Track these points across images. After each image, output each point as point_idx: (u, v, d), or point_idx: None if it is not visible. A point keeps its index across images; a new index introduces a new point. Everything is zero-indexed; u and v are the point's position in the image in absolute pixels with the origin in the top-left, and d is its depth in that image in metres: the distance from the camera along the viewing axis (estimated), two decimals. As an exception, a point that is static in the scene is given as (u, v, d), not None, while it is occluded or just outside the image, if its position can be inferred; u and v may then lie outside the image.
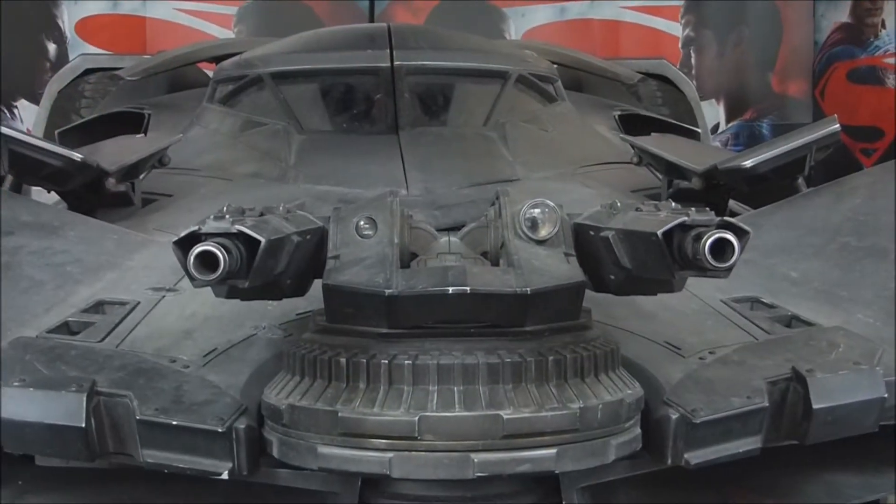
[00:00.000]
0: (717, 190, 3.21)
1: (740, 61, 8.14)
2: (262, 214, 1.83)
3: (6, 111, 7.62)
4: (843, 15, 7.96)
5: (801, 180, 3.13)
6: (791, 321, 2.26)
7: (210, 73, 4.41)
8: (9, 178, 3.10)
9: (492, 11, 8.10)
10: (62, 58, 7.58)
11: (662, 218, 1.77)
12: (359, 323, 1.78)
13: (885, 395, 2.01)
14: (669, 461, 1.90)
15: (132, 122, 4.13)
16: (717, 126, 7.97)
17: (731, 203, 3.33)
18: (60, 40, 7.77)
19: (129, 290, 2.33)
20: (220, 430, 1.81)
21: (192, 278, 1.68)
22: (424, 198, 3.01)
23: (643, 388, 1.87)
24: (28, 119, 7.13)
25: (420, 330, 1.76)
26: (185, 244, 1.69)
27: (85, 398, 1.82)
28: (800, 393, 1.97)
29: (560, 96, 4.01)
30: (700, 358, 2.08)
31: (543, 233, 1.86)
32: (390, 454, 1.69)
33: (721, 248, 1.68)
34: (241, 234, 1.72)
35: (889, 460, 2.22)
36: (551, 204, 1.88)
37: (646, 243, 1.77)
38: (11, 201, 2.66)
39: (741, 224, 1.71)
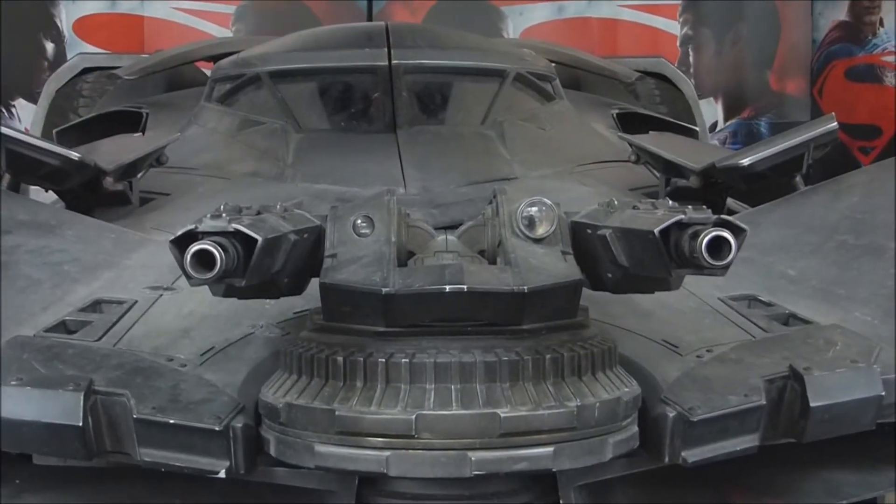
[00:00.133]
0: (715, 188, 3.21)
1: (738, 59, 8.14)
2: (259, 213, 1.83)
3: (4, 110, 7.62)
4: (841, 13, 7.97)
5: (798, 178, 3.13)
6: (788, 319, 2.26)
7: (208, 72, 4.40)
8: (6, 177, 3.10)
9: (490, 10, 8.10)
10: (60, 57, 7.57)
11: (659, 216, 1.77)
12: (356, 321, 1.78)
13: (883, 393, 2.01)
14: (667, 459, 1.90)
15: (130, 121, 4.13)
16: (715, 124, 7.97)
17: (729, 201, 3.33)
18: (58, 39, 7.77)
19: (126, 288, 2.33)
20: (217, 428, 1.81)
21: (188, 277, 1.68)
22: (422, 196, 3.01)
23: (640, 386, 1.87)
24: (26, 118, 7.12)
25: (417, 328, 1.76)
26: (182, 243, 1.69)
27: (82, 397, 1.82)
28: (797, 391, 1.97)
29: (558, 95, 4.01)
30: (697, 356, 2.08)
31: (541, 231, 1.86)
32: (387, 452, 1.69)
33: (718, 246, 1.68)
34: (238, 233, 1.72)
35: (886, 458, 2.21)
36: (548, 202, 1.88)
37: (643, 241, 1.77)
38: (9, 200, 2.66)
39: (738, 222, 1.72)
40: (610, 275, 1.89)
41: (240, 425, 1.83)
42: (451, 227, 2.08)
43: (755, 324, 2.23)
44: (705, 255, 1.68)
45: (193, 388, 1.91)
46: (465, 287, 1.69)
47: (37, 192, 3.45)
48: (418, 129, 3.55)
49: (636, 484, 2.05)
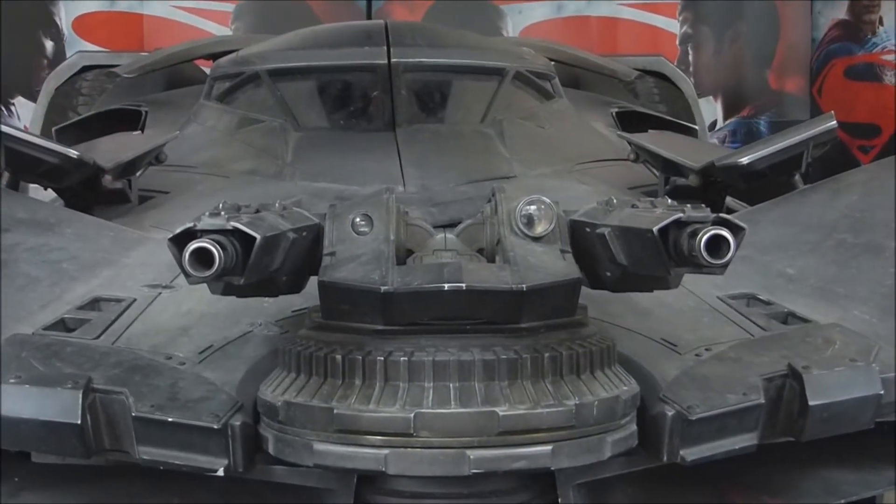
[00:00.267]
0: (714, 187, 3.21)
1: (738, 58, 8.14)
2: (257, 211, 1.83)
3: (3, 108, 7.61)
4: (840, 12, 7.96)
5: (797, 177, 3.14)
6: (787, 318, 2.26)
7: (207, 70, 4.40)
8: (6, 175, 3.10)
9: (489, 8, 8.10)
10: (59, 55, 7.57)
11: (658, 214, 1.77)
12: (354, 320, 1.78)
13: (882, 392, 2.01)
14: (665, 458, 1.90)
15: (129, 120, 4.13)
16: (714, 123, 7.97)
17: (729, 200, 3.33)
18: (58, 37, 7.76)
19: (125, 286, 2.33)
20: (215, 426, 1.81)
21: (187, 275, 1.68)
22: (421, 195, 3.01)
23: (639, 384, 1.88)
24: (25, 116, 7.13)
25: (416, 326, 1.76)
26: (180, 241, 1.69)
27: (81, 395, 1.82)
28: (796, 389, 1.97)
29: (557, 93, 4.01)
30: (696, 355, 2.08)
31: (539, 229, 1.86)
32: (386, 451, 1.70)
33: (717, 244, 1.68)
34: (236, 231, 1.72)
35: (885, 457, 2.22)
36: (547, 201, 1.88)
37: (641, 240, 1.77)
38: (8, 198, 2.66)
39: (737, 221, 1.72)
40: (609, 273, 1.89)
41: (238, 423, 1.83)
42: (450, 226, 2.08)
43: (754, 322, 2.23)
44: (704, 253, 1.68)
45: (192, 386, 1.91)
46: (463, 285, 1.69)
47: (36, 191, 3.44)
48: (417, 127, 3.55)
49: (635, 482, 2.05)
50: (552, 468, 1.74)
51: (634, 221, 1.80)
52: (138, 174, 3.24)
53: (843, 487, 2.15)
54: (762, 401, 1.95)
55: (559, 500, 1.97)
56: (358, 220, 1.89)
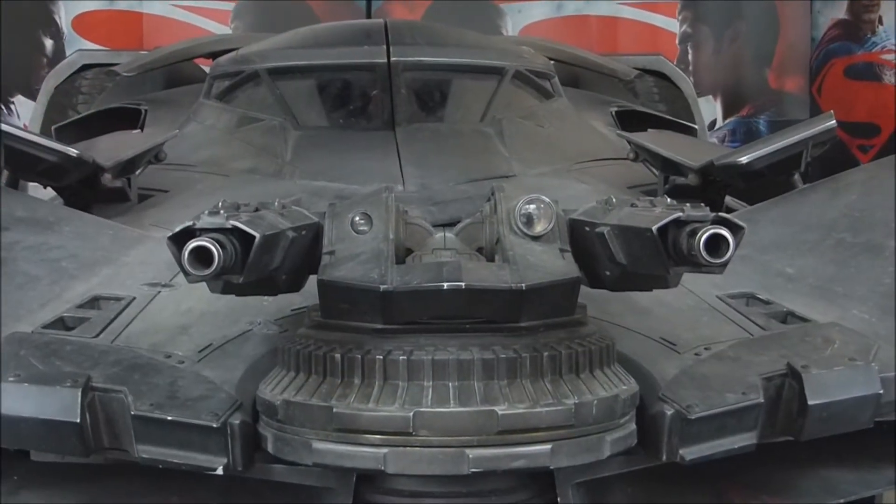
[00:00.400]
0: (713, 186, 3.21)
1: (737, 57, 8.13)
2: (257, 210, 1.83)
3: (3, 107, 7.61)
4: (840, 11, 7.96)
5: (797, 176, 3.14)
6: (786, 317, 2.26)
7: (207, 69, 4.40)
8: (5, 174, 3.10)
9: (488, 8, 8.09)
10: (59, 53, 7.56)
11: (657, 214, 1.77)
12: (354, 318, 1.78)
13: (881, 391, 2.01)
14: (664, 457, 1.90)
15: (129, 118, 4.13)
16: (714, 122, 7.96)
17: (728, 199, 3.33)
18: (57, 36, 7.76)
19: (124, 285, 2.33)
20: (214, 425, 1.81)
21: (186, 274, 1.68)
22: (420, 194, 3.01)
23: (638, 383, 1.88)
24: (25, 115, 7.12)
25: (415, 325, 1.76)
26: (179, 239, 1.69)
27: (80, 393, 1.82)
28: (795, 389, 1.97)
29: (557, 92, 4.01)
30: (695, 354, 2.08)
31: (539, 229, 1.86)
32: (385, 450, 1.70)
33: (716, 243, 1.68)
34: (235, 230, 1.72)
35: (885, 456, 2.21)
36: (547, 200, 1.88)
37: (641, 239, 1.77)
38: (7, 197, 2.65)
39: (736, 220, 1.72)
40: (608, 272, 1.89)
41: (237, 422, 1.83)
42: (450, 225, 2.08)
43: (753, 322, 2.23)
44: (703, 252, 1.68)
45: (191, 384, 1.91)
46: (462, 284, 1.69)
47: (35, 189, 3.44)
48: (417, 126, 3.55)
49: (634, 482, 2.04)
50: (551, 467, 1.74)
51: (634, 220, 1.80)
52: (138, 173, 3.24)
53: (843, 487, 2.15)
54: (761, 400, 1.95)
55: (558, 500, 1.96)
56: (357, 218, 1.89)
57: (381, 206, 1.90)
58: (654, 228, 1.73)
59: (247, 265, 1.73)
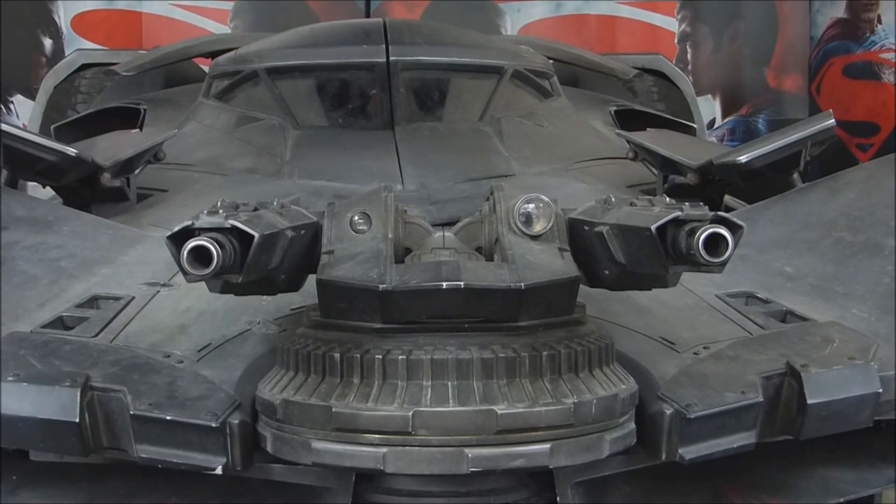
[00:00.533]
0: (712, 185, 3.21)
1: (736, 56, 8.13)
2: (256, 209, 1.83)
3: (2, 106, 7.61)
4: (839, 10, 7.96)
5: (796, 175, 3.13)
6: (786, 316, 2.26)
7: (206, 69, 4.40)
8: (4, 173, 3.10)
9: (487, 7, 8.09)
10: (58, 53, 7.56)
11: (656, 213, 1.77)
12: (353, 318, 1.78)
13: (880, 390, 2.01)
14: (664, 456, 1.90)
15: (128, 118, 4.13)
16: (713, 121, 7.96)
17: (727, 198, 3.33)
18: (56, 35, 7.76)
19: (123, 285, 2.33)
20: (213, 425, 1.81)
21: (185, 273, 1.68)
22: (419, 193, 3.01)
23: (637, 383, 1.88)
24: (24, 114, 7.12)
25: (414, 325, 1.76)
26: (178, 239, 1.69)
27: (79, 393, 1.82)
28: (794, 388, 1.97)
29: (556, 92, 4.01)
30: (694, 353, 2.08)
31: (538, 228, 1.86)
32: (384, 449, 1.69)
33: (715, 243, 1.68)
34: (234, 229, 1.72)
35: (884, 455, 2.22)
36: (546, 199, 1.88)
37: (640, 238, 1.77)
38: (6, 196, 2.65)
39: (735, 219, 1.71)
40: (607, 272, 1.89)
41: (236, 422, 1.83)
42: (449, 224, 2.08)
43: (752, 321, 2.23)
44: (702, 251, 1.68)
45: (190, 384, 1.91)
46: (461, 284, 1.69)
47: (34, 188, 3.44)
48: (416, 125, 3.55)
49: (633, 481, 2.05)
50: (550, 466, 1.74)
51: (633, 220, 1.80)
52: (137, 172, 3.24)
53: (842, 486, 2.15)
54: (761, 399, 1.95)
55: (557, 499, 1.97)
56: (356, 218, 1.89)
57: (380, 206, 1.90)
58: (653, 228, 1.73)
59: (246, 265, 1.73)
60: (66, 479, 2.05)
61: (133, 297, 2.24)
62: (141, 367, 1.94)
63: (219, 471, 1.83)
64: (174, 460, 1.84)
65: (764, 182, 3.11)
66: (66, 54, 6.52)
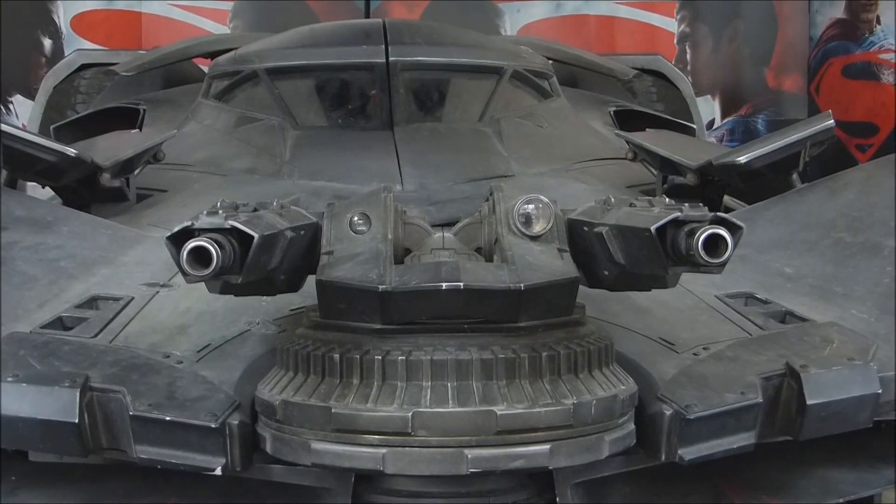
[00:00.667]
0: (712, 186, 3.21)
1: (735, 57, 8.13)
2: (255, 210, 1.83)
3: (1, 106, 7.61)
4: (838, 10, 7.96)
5: (795, 176, 3.13)
6: (785, 317, 2.26)
7: (205, 69, 4.40)
8: (3, 174, 3.10)
9: (487, 7, 8.09)
10: (58, 53, 7.55)
11: (656, 213, 1.77)
12: (352, 319, 1.78)
13: (880, 391, 2.01)
14: (663, 457, 1.91)
15: (127, 118, 4.13)
16: (712, 122, 7.96)
17: (726, 199, 3.33)
18: (56, 35, 7.75)
19: (122, 285, 2.33)
20: (213, 425, 1.81)
21: (185, 274, 1.68)
22: (419, 193, 3.01)
23: (637, 383, 1.88)
24: (23, 114, 7.11)
25: (414, 326, 1.76)
26: (178, 239, 1.69)
27: (78, 393, 1.82)
28: (794, 388, 1.97)
29: (555, 92, 4.01)
30: (694, 354, 2.08)
31: (537, 228, 1.86)
32: (384, 450, 1.69)
33: (714, 243, 1.68)
34: (234, 230, 1.72)
35: (884, 456, 2.22)
36: (545, 200, 1.88)
37: (639, 239, 1.77)
38: (6, 196, 2.65)
39: (734, 220, 1.71)
40: (606, 272, 1.89)
41: (236, 422, 1.83)
42: (448, 225, 2.08)
43: (752, 321, 2.23)
44: (702, 252, 1.68)
45: (189, 385, 1.91)
46: (461, 284, 1.69)
47: (34, 189, 3.44)
48: (415, 126, 3.55)
49: (633, 482, 2.05)
50: (550, 467, 1.74)
51: (632, 220, 1.80)
52: (136, 172, 3.24)
53: (842, 486, 2.16)
54: (760, 400, 1.95)
55: (557, 500, 1.97)
56: (356, 218, 1.89)
57: (380, 206, 1.90)
58: (652, 228, 1.73)
59: (245, 265, 1.73)
60: (66, 479, 2.05)
61: (132, 298, 2.24)
62: (140, 368, 1.94)
63: (218, 471, 1.83)
64: (173, 461, 1.84)
65: (763, 182, 3.11)
66: (66, 54, 6.52)
